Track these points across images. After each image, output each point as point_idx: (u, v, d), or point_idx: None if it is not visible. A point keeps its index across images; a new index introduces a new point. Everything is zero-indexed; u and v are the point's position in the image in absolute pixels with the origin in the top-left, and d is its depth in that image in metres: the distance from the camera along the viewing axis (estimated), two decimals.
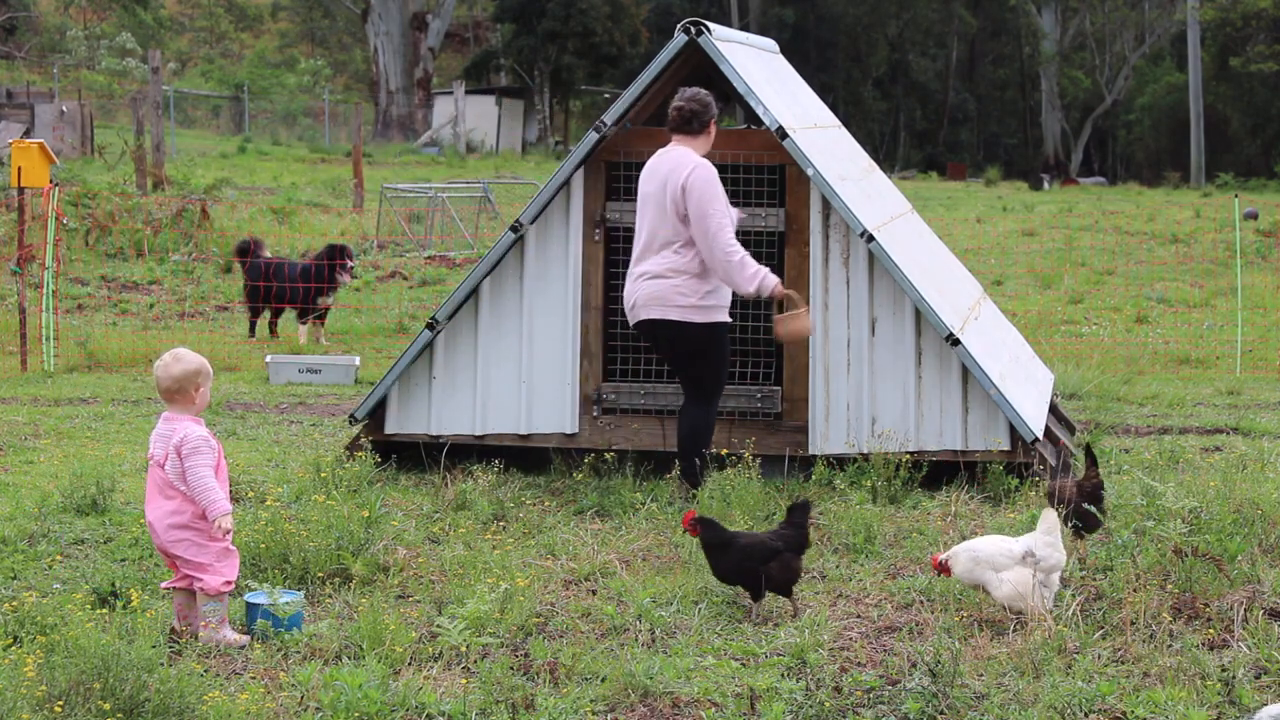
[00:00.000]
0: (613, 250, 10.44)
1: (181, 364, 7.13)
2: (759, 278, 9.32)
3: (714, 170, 9.37)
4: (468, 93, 52.26)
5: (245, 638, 7.04)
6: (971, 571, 7.33)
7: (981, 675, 6.62)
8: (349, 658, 6.78)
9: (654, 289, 9.43)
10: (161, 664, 6.20)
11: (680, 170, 9.37)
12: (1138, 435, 12.20)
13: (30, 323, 15.50)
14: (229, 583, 7.12)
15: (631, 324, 9.68)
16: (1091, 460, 8.48)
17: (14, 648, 6.55)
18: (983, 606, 7.45)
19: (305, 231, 25.01)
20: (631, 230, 9.85)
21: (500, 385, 10.31)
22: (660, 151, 9.60)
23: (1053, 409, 11.47)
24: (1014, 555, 7.24)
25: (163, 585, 7.34)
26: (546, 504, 9.70)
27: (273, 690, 6.37)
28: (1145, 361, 16.27)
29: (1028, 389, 10.84)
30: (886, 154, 60.16)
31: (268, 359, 15.02)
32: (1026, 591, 7.20)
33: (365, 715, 6.07)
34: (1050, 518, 7.39)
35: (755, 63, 10.86)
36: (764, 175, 10.42)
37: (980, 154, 64.87)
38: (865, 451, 9.89)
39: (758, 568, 7.46)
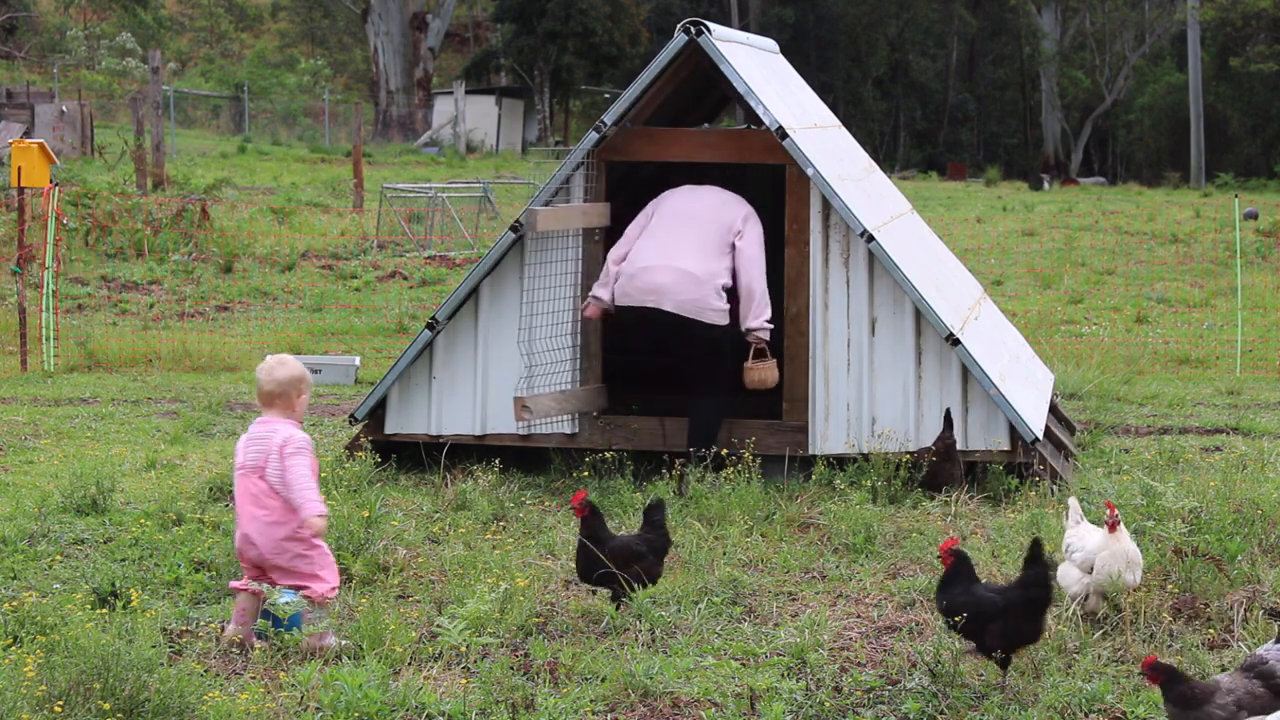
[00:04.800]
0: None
1: (286, 368, 7.07)
2: None
3: None
4: (468, 93, 52.26)
5: (342, 641, 6.94)
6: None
7: (981, 675, 6.62)
8: (349, 658, 6.78)
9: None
10: (161, 664, 6.20)
11: None
12: (1138, 435, 12.20)
13: (30, 323, 15.50)
14: (334, 589, 7.06)
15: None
16: (947, 424, 9.66)
17: (14, 648, 6.55)
18: None
19: (305, 231, 25.01)
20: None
21: (500, 385, 10.30)
22: None
23: (1053, 409, 11.47)
24: None
25: (232, 584, 7.20)
26: (546, 504, 9.70)
27: (273, 690, 6.37)
28: (1145, 361, 16.27)
29: (1028, 389, 10.84)
30: (886, 154, 60.12)
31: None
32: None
33: (365, 715, 6.07)
34: (1075, 505, 7.57)
35: (755, 63, 10.86)
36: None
37: (980, 154, 64.83)
38: (865, 451, 9.89)
39: (625, 569, 7.40)
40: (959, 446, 9.88)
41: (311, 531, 6.94)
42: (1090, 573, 7.21)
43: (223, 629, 7.15)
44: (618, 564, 7.39)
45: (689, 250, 9.91)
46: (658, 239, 10.01)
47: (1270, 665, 5.72)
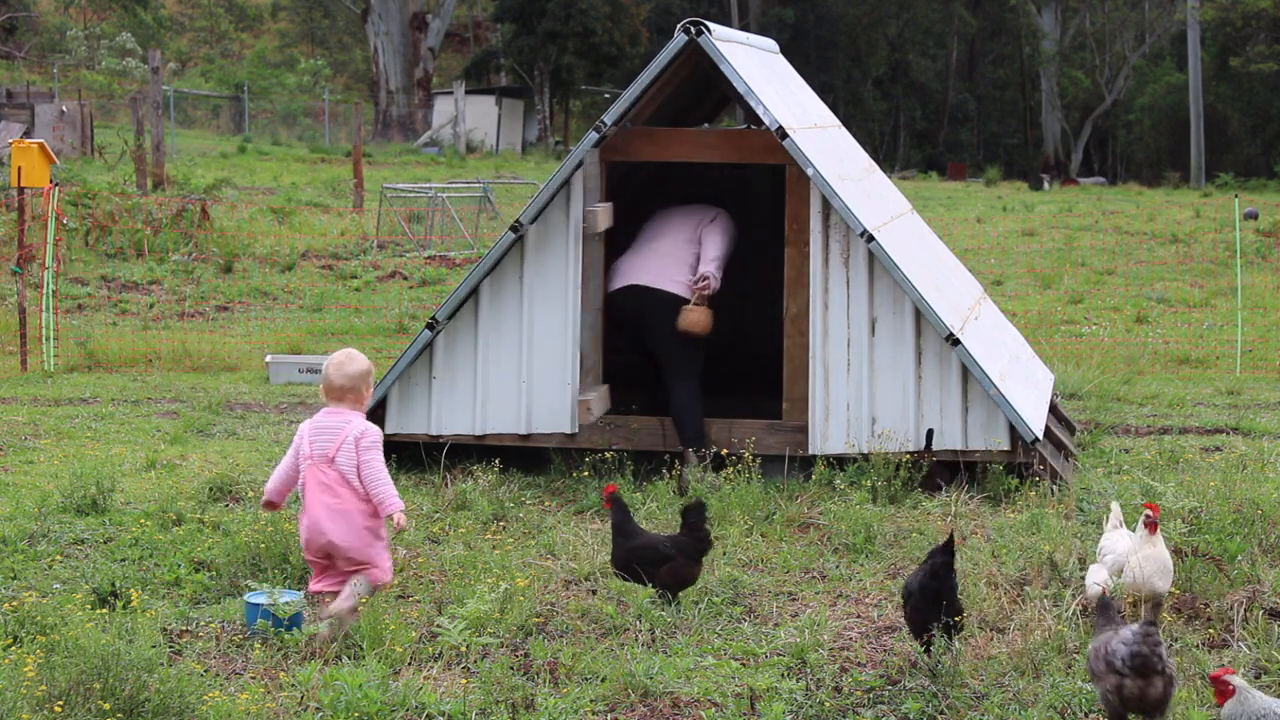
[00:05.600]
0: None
1: (355, 363, 7.26)
2: None
3: None
4: (468, 93, 52.25)
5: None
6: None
7: (981, 675, 6.62)
8: (349, 658, 6.79)
9: None
10: (161, 664, 6.20)
11: None
12: (1138, 435, 12.20)
13: (30, 323, 15.50)
14: (390, 576, 7.29)
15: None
16: (927, 443, 9.84)
17: (14, 648, 6.55)
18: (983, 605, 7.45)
19: (305, 231, 25.02)
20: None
21: (500, 385, 10.31)
22: None
23: (1053, 409, 11.47)
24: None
25: (313, 589, 7.25)
26: (546, 504, 9.70)
27: (273, 690, 6.37)
28: (1145, 361, 16.26)
29: (1028, 389, 10.84)
30: (886, 154, 60.12)
31: (267, 359, 15.03)
32: None
33: (365, 715, 6.07)
34: (1116, 509, 7.51)
35: (755, 63, 10.86)
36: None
37: (980, 154, 64.83)
38: (865, 451, 9.89)
39: (648, 569, 7.51)
40: (960, 447, 9.90)
41: (399, 527, 7.16)
42: (1119, 576, 7.19)
43: (223, 628, 7.16)
44: (642, 562, 7.49)
45: (658, 240, 10.50)
46: (635, 245, 10.65)
47: (1110, 640, 6.00)
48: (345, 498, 7.11)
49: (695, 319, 10.30)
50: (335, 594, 7.15)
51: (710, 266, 10.41)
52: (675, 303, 10.29)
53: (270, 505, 7.44)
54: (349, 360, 7.28)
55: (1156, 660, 5.89)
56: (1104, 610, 6.27)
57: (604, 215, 10.13)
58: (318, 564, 7.23)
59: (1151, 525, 7.16)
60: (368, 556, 7.15)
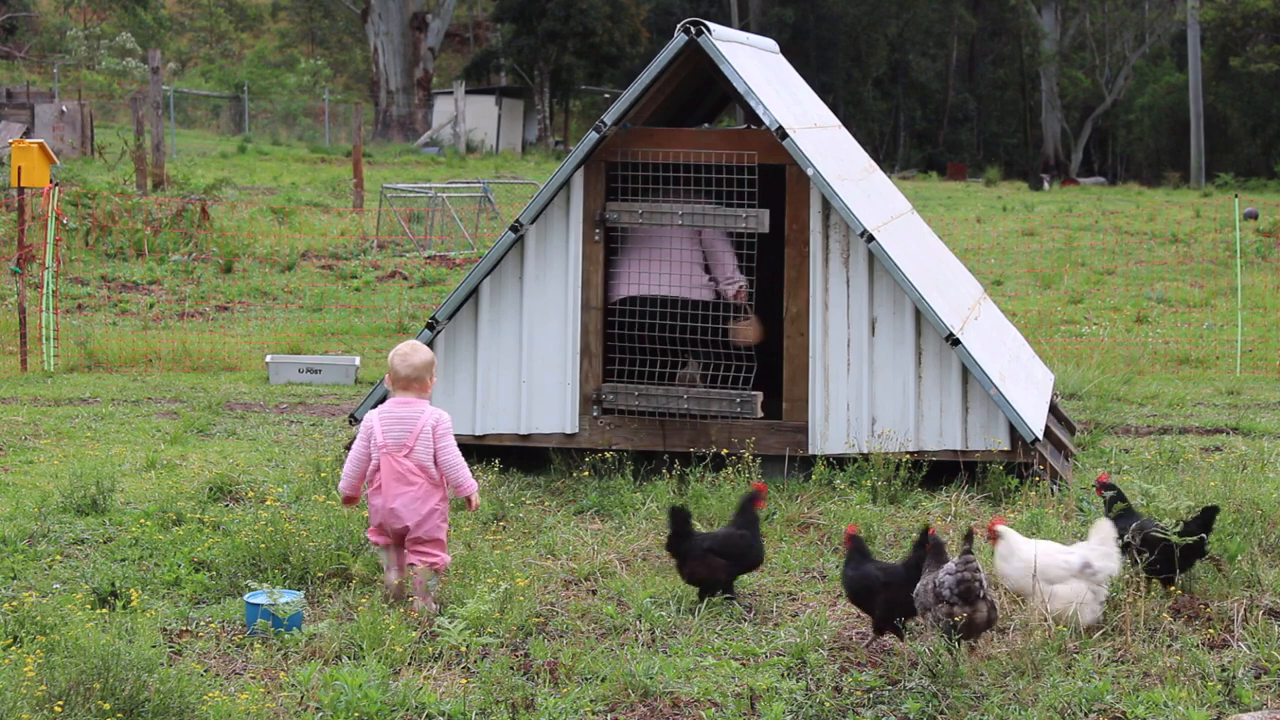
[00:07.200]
0: (612, 250, 10.45)
1: (420, 354, 7.61)
2: None
3: None
4: (468, 93, 52.26)
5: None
6: (1020, 580, 7.25)
7: (981, 675, 6.62)
8: (349, 658, 6.79)
9: None
10: (161, 664, 6.20)
11: None
12: (1138, 435, 12.20)
13: (30, 323, 15.50)
14: (449, 561, 7.63)
15: None
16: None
17: (14, 648, 6.55)
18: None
19: (305, 231, 25.01)
20: (629, 230, 10.17)
21: (500, 385, 10.31)
22: None
23: (1053, 409, 11.47)
24: (1071, 567, 7.17)
25: (374, 540, 7.61)
26: (546, 504, 9.70)
27: (273, 690, 6.37)
28: (1145, 361, 16.26)
29: (1028, 389, 10.84)
30: (886, 154, 60.15)
31: (268, 359, 15.03)
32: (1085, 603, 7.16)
33: (365, 715, 6.07)
34: (1105, 528, 7.38)
35: (755, 63, 10.86)
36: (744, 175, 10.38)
37: (980, 154, 64.84)
38: (865, 451, 9.89)
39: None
40: (960, 447, 9.91)
41: (474, 507, 7.58)
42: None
43: (223, 628, 7.16)
44: None
45: (662, 243, 10.44)
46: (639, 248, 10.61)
47: (937, 573, 6.67)
48: (420, 485, 7.45)
49: (745, 334, 10.38)
50: (386, 546, 7.53)
51: (737, 273, 10.42)
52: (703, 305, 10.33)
53: (350, 500, 7.72)
54: (413, 351, 7.62)
55: (979, 586, 6.55)
56: (936, 551, 6.79)
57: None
58: (386, 543, 7.56)
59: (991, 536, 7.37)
60: (435, 538, 7.47)
